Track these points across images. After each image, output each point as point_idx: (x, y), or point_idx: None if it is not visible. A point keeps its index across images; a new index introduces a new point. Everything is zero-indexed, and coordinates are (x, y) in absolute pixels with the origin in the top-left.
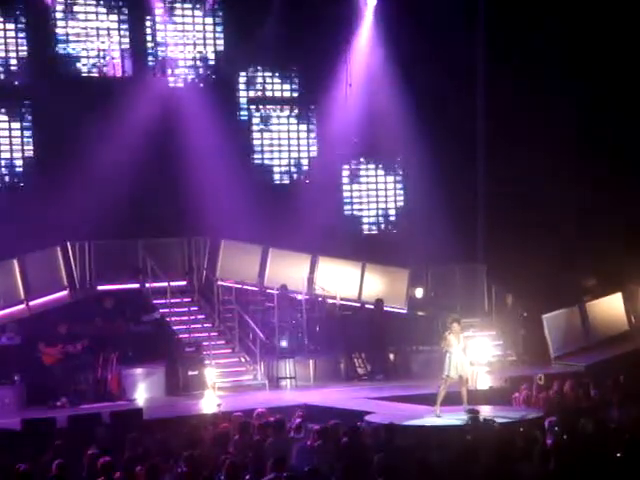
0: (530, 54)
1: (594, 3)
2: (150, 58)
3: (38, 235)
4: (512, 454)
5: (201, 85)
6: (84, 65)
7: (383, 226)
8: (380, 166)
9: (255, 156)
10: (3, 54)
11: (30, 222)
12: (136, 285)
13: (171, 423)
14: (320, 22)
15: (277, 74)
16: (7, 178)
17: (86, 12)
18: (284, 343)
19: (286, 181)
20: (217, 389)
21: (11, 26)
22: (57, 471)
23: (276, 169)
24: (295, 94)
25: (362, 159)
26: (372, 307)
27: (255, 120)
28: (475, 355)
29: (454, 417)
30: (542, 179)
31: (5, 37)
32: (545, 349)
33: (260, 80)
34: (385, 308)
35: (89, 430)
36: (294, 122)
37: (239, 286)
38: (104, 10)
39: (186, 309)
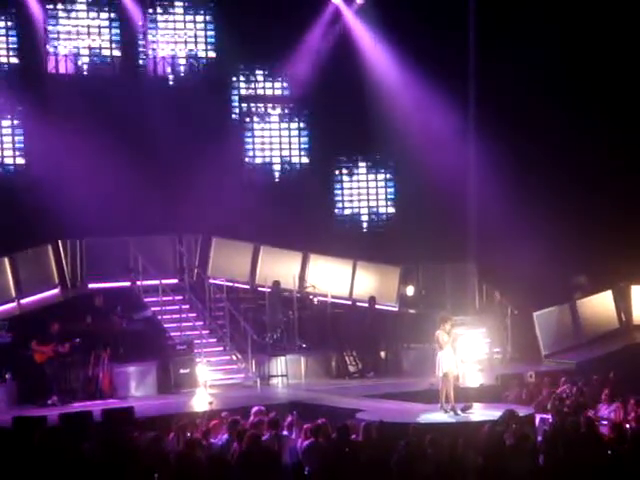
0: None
1: None
2: (141, 56)
3: (29, 233)
4: (501, 452)
5: (193, 83)
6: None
7: (374, 224)
8: (372, 164)
9: (247, 154)
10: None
11: (21, 220)
12: (127, 283)
13: (163, 421)
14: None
15: (269, 72)
16: None
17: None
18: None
19: (277, 179)
20: (209, 387)
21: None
22: None
23: (268, 167)
24: (287, 92)
25: (354, 157)
26: (364, 305)
27: (247, 118)
28: (466, 353)
29: (446, 415)
30: (533, 176)
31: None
32: (536, 347)
33: (252, 78)
34: (376, 306)
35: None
36: (286, 120)
37: (230, 284)
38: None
39: (177, 307)
